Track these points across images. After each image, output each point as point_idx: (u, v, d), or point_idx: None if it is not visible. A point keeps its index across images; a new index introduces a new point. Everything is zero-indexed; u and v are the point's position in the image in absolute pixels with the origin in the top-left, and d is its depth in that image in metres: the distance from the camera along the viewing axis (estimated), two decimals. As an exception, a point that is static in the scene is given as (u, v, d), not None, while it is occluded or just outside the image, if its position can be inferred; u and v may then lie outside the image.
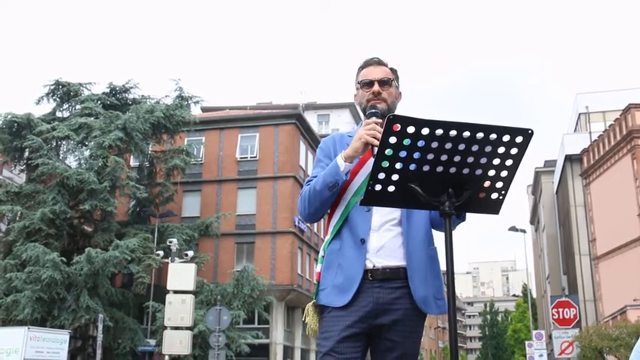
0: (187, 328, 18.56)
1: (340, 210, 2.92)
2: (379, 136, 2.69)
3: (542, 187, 48.61)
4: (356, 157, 2.81)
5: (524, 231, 40.87)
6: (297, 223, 37.28)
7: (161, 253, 26.09)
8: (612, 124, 30.24)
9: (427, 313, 2.92)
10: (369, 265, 2.82)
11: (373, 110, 2.91)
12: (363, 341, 2.83)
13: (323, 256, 2.96)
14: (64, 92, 33.44)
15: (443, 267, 2.91)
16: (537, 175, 49.89)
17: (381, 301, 2.80)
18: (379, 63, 3.06)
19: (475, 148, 2.30)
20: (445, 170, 2.36)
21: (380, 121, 2.79)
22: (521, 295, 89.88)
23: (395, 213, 2.88)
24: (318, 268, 2.99)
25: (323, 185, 2.84)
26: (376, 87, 2.98)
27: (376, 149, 2.68)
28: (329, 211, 3.00)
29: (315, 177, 2.93)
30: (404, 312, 2.83)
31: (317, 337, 2.90)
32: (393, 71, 3.09)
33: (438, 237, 2.83)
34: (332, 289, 2.85)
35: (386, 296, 2.81)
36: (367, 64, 3.07)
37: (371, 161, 2.83)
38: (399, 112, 3.10)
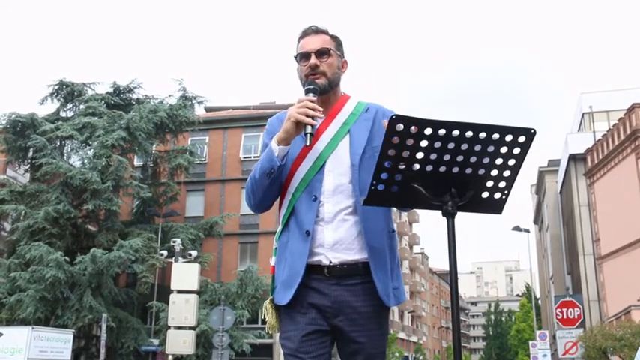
0: (191, 328, 18.56)
1: (287, 200, 2.75)
2: (311, 113, 2.55)
3: (546, 186, 48.53)
4: (289, 138, 2.60)
5: (527, 231, 40.84)
6: (300, 223, 37.30)
7: (165, 252, 26.14)
8: (616, 124, 30.18)
9: (388, 306, 2.73)
10: (325, 262, 2.64)
11: (310, 86, 2.69)
12: (328, 336, 2.68)
13: (276, 248, 2.80)
14: (68, 92, 33.55)
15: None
16: (541, 174, 49.81)
17: (340, 299, 2.64)
18: (316, 31, 2.81)
19: (478, 148, 2.30)
20: (448, 170, 2.36)
21: (313, 98, 2.63)
22: (524, 293, 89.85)
23: (349, 200, 2.68)
24: (272, 261, 2.81)
25: (260, 173, 2.66)
26: (313, 60, 2.74)
27: (308, 128, 2.55)
28: (278, 201, 2.83)
29: None
30: (365, 310, 2.67)
31: (280, 337, 2.77)
32: (334, 38, 2.84)
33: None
34: (280, 285, 2.70)
35: (343, 294, 2.65)
36: (304, 33, 2.82)
37: (317, 147, 2.70)
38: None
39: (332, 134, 2.76)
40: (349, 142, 2.76)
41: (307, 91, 2.68)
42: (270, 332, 2.84)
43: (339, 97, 2.87)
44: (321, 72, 2.75)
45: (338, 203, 2.68)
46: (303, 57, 2.78)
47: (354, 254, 2.67)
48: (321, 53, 2.76)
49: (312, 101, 2.59)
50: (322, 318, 2.65)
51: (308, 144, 2.57)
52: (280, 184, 2.73)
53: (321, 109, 2.62)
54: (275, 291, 2.74)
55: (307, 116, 2.54)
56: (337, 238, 2.67)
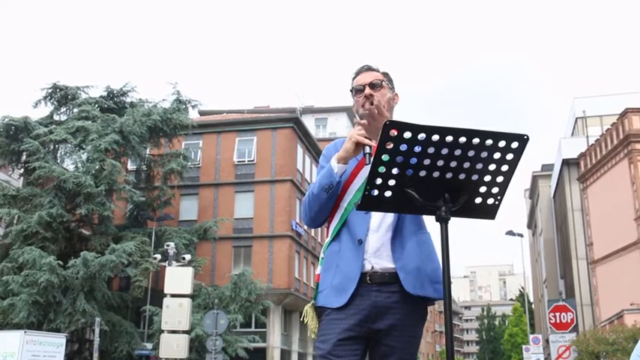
0: (184, 332, 18.51)
1: (340, 212, 2.94)
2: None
3: (540, 191, 48.67)
4: (348, 157, 2.85)
5: (521, 235, 40.96)
6: (294, 227, 37.27)
7: (158, 256, 26.05)
8: (609, 129, 30.29)
9: (425, 297, 2.85)
10: (368, 267, 2.83)
11: (367, 112, 2.89)
12: (362, 344, 2.83)
13: (323, 258, 2.97)
14: (62, 95, 33.40)
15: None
16: (535, 179, 49.95)
17: (380, 305, 2.81)
18: (369, 69, 3.11)
19: (471, 153, 2.31)
20: (441, 175, 2.37)
21: None
22: (517, 297, 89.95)
23: (392, 215, 2.89)
24: (318, 270, 3.00)
25: (319, 188, 2.87)
26: (367, 90, 3.01)
27: (367, 148, 2.73)
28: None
29: None
30: (401, 316, 2.83)
31: (315, 340, 2.90)
32: (385, 74, 3.12)
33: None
34: (330, 290, 2.86)
35: (384, 300, 2.81)
36: (358, 72, 3.12)
37: (368, 167, 2.86)
38: (395, 116, 3.12)
39: None
40: None
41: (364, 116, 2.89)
42: (312, 336, 3.00)
43: None
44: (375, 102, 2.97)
45: (383, 216, 2.90)
46: (357, 91, 3.06)
47: (394, 262, 2.85)
48: (374, 85, 3.04)
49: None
50: (360, 324, 2.81)
51: (368, 162, 2.75)
52: (335, 199, 2.94)
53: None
54: (322, 294, 2.90)
55: (366, 137, 2.77)
56: (379, 246, 2.87)
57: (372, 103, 2.95)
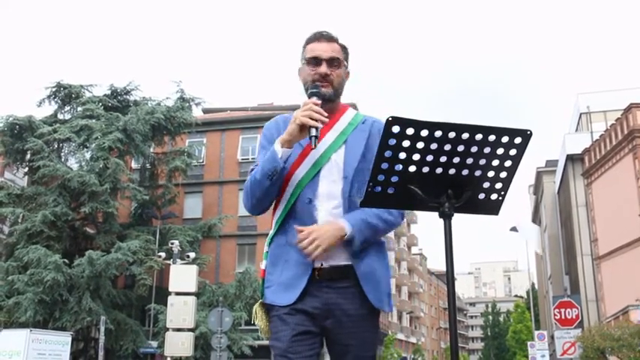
0: (189, 330, 18.54)
1: (283, 203, 2.74)
2: (315, 116, 2.56)
3: (544, 187, 48.56)
4: (293, 141, 2.63)
5: (525, 231, 40.74)
6: (298, 225, 37.28)
7: (163, 254, 26.10)
8: (614, 124, 30.21)
9: (383, 311, 2.75)
10: (316, 264, 2.65)
11: (314, 90, 2.71)
12: (317, 338, 2.67)
13: (267, 252, 2.79)
14: (66, 94, 33.44)
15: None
16: (539, 175, 49.84)
17: (330, 302, 2.66)
18: (330, 39, 2.80)
19: (474, 149, 2.30)
20: (444, 171, 2.36)
21: (318, 101, 2.64)
22: (524, 296, 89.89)
23: (339, 208, 2.69)
24: (262, 265, 2.80)
25: (262, 174, 2.64)
26: (324, 68, 2.75)
27: (313, 131, 2.56)
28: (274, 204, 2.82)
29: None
30: (355, 313, 2.68)
31: (269, 339, 2.75)
32: (343, 49, 2.85)
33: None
34: (278, 286, 2.69)
35: (334, 296, 2.66)
36: (316, 37, 2.81)
37: (314, 154, 2.70)
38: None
39: (329, 142, 2.77)
40: (344, 152, 2.78)
41: (311, 95, 2.70)
42: (264, 336, 2.83)
43: (339, 107, 2.89)
44: (329, 81, 2.77)
45: (330, 209, 2.70)
46: (313, 62, 2.78)
47: (344, 260, 2.69)
48: (332, 63, 2.77)
49: (316, 104, 2.62)
50: (312, 320, 2.66)
51: (314, 146, 2.59)
52: (279, 186, 2.71)
53: (326, 113, 2.62)
54: (270, 290, 2.73)
55: (312, 119, 2.56)
56: None
57: (328, 82, 2.75)
